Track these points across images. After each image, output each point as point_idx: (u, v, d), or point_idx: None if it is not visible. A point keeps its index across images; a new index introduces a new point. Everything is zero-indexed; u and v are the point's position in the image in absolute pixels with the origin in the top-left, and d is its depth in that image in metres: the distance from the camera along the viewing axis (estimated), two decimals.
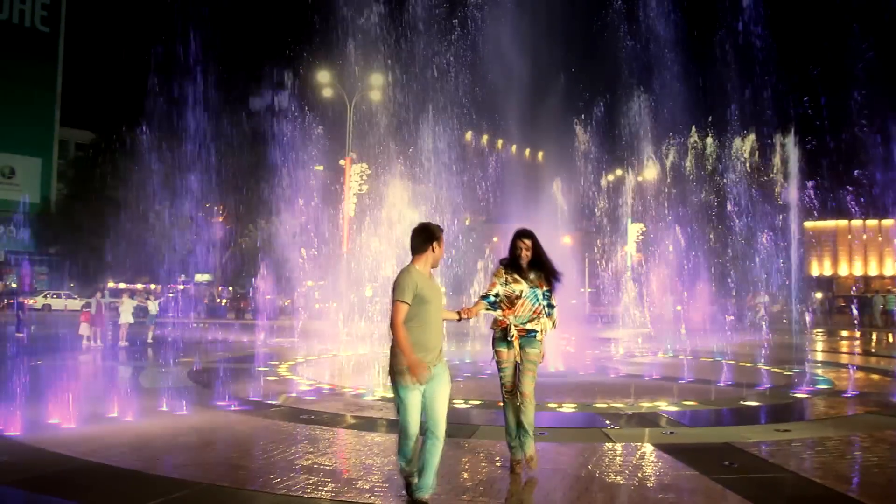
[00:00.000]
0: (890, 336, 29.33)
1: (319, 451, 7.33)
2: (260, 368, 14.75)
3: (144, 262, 43.28)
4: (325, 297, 32.44)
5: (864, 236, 65.23)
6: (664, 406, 10.23)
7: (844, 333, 29.83)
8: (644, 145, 31.74)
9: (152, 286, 51.33)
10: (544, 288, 6.30)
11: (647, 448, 7.48)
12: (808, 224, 54.68)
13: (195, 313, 41.65)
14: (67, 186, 60.91)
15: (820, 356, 19.17)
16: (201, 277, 56.37)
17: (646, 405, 10.28)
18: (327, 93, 33.01)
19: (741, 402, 10.66)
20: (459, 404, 10.08)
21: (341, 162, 34.76)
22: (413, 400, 5.07)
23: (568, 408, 10.10)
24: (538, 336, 6.23)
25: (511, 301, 6.22)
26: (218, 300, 52.02)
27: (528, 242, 6.29)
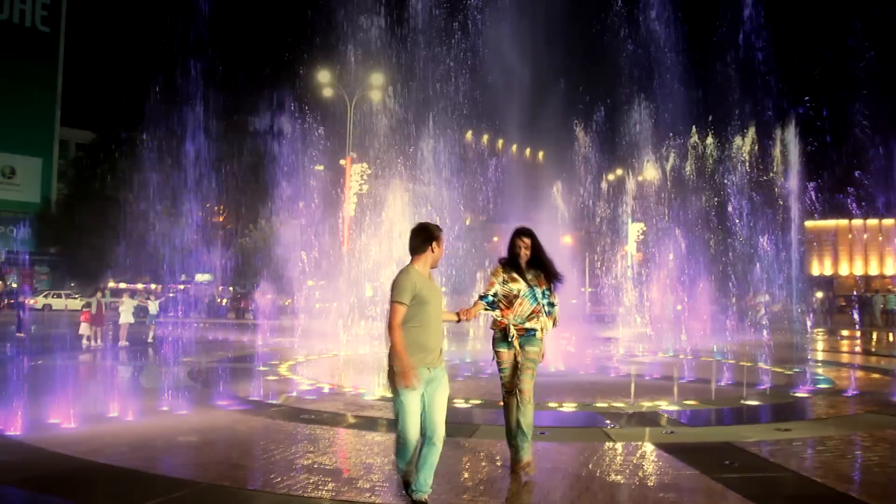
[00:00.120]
0: (890, 335, 29.33)
1: (320, 450, 7.33)
2: (260, 368, 14.75)
3: (145, 262, 43.29)
4: (326, 297, 32.44)
5: (865, 236, 65.19)
6: (664, 405, 10.23)
7: (845, 333, 29.83)
8: (644, 146, 31.76)
9: (153, 286, 51.33)
10: (543, 287, 6.22)
11: (648, 447, 7.48)
12: (809, 223, 54.65)
13: (195, 313, 41.64)
14: (68, 186, 60.93)
15: (820, 356, 19.19)
16: (202, 277, 56.36)
17: (646, 404, 10.28)
18: (328, 93, 33.01)
19: (741, 402, 10.65)
20: (460, 404, 10.08)
21: (342, 162, 34.78)
22: (412, 403, 4.99)
23: (568, 407, 10.10)
24: (538, 334, 6.16)
25: (510, 300, 6.15)
26: (218, 300, 52.00)
27: (527, 241, 6.23)
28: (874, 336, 28.62)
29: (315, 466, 6.54)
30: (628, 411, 9.80)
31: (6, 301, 43.15)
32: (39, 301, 46.38)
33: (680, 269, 27.50)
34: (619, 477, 6.28)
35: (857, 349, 22.19)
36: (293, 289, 32.01)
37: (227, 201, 52.57)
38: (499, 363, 6.23)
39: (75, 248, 53.78)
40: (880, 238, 64.84)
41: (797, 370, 14.54)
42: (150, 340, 20.84)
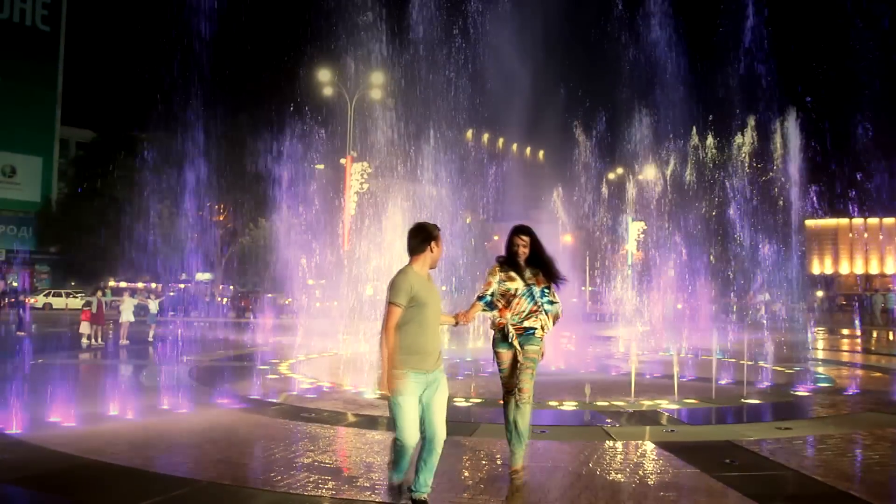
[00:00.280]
0: (890, 334, 29.32)
1: (320, 449, 7.33)
2: (260, 367, 14.76)
3: (145, 261, 43.29)
4: (326, 296, 32.45)
5: (865, 235, 65.19)
6: (665, 404, 10.23)
7: (845, 332, 29.82)
8: (645, 146, 31.77)
9: (153, 285, 51.38)
10: (542, 285, 6.09)
11: (648, 446, 7.48)
12: (809, 222, 54.69)
13: (196, 312, 41.65)
14: (68, 185, 60.92)
15: (820, 354, 19.19)
16: (202, 276, 56.39)
17: (646, 403, 10.28)
18: (328, 92, 33.01)
19: (742, 400, 10.65)
20: (460, 402, 10.08)
21: (342, 161, 34.78)
22: (410, 406, 4.89)
23: (568, 406, 10.09)
24: (537, 333, 6.03)
25: (507, 300, 6.03)
26: (219, 299, 52.00)
27: (526, 239, 6.10)
28: (874, 335, 28.61)
29: (315, 465, 6.54)
30: (629, 410, 9.80)
31: (7, 300, 43.17)
32: (40, 300, 46.39)
33: (680, 268, 27.50)
34: (619, 475, 6.28)
35: (857, 348, 22.18)
36: (293, 288, 32.02)
37: (227, 200, 52.53)
38: (498, 363, 6.12)
39: (76, 248, 53.77)
40: (881, 237, 64.83)
41: (797, 369, 14.54)
42: (150, 339, 20.84)
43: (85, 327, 19.55)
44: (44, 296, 48.08)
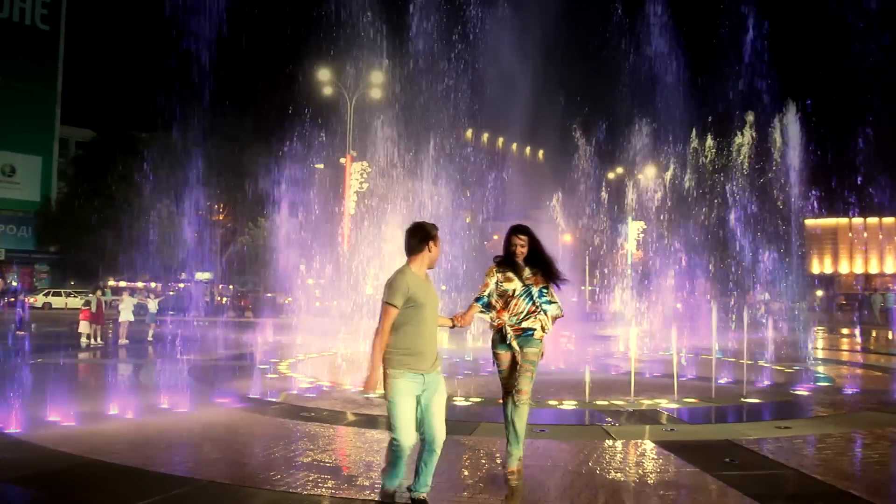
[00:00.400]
0: (889, 334, 29.32)
1: (319, 448, 7.33)
2: (260, 366, 14.75)
3: (145, 261, 43.28)
4: (326, 295, 32.46)
5: (865, 234, 65.24)
6: (664, 403, 10.22)
7: (844, 331, 29.83)
8: (644, 146, 31.77)
9: (153, 284, 51.38)
10: (540, 285, 5.99)
11: (648, 445, 7.48)
12: (809, 221, 54.67)
13: (195, 311, 41.65)
14: (68, 185, 60.89)
15: (820, 354, 19.19)
16: (202, 276, 56.38)
17: (646, 402, 10.28)
18: (328, 91, 32.98)
19: (742, 400, 10.66)
20: (460, 401, 10.08)
21: (342, 160, 34.76)
22: (406, 406, 4.84)
23: (568, 405, 10.09)
24: (536, 334, 5.93)
25: (505, 300, 5.94)
26: (218, 298, 52.00)
27: (524, 238, 6.00)
28: (873, 334, 28.62)
29: (314, 464, 6.54)
30: (628, 409, 9.80)
31: (6, 299, 43.16)
32: (39, 299, 46.36)
33: (680, 267, 27.50)
34: (619, 474, 6.28)
35: (857, 347, 22.18)
36: (293, 287, 32.03)
37: (226, 200, 52.56)
38: (497, 364, 6.05)
39: (75, 247, 53.77)
40: (880, 236, 64.88)
41: (797, 368, 14.55)
42: (149, 338, 20.84)
43: (84, 327, 19.55)
44: (43, 295, 48.05)
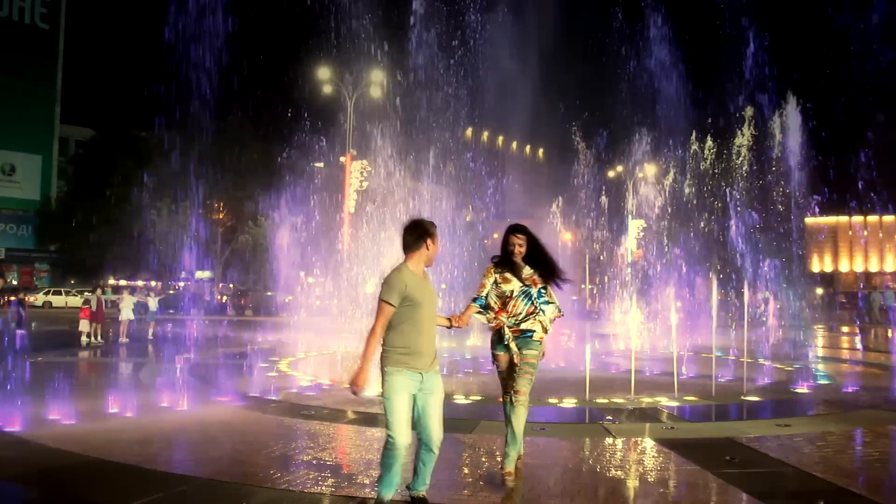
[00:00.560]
0: (889, 332, 29.33)
1: (320, 446, 7.33)
2: (260, 364, 14.77)
3: (145, 259, 43.27)
4: (326, 294, 32.45)
5: (865, 232, 65.24)
6: (665, 401, 10.23)
7: (844, 329, 29.85)
8: (644, 145, 31.78)
9: (153, 283, 51.38)
10: (539, 286, 5.87)
11: (648, 443, 7.48)
12: (809, 220, 54.64)
13: (195, 310, 41.64)
14: (68, 184, 60.91)
15: (820, 352, 19.21)
16: (202, 274, 56.37)
17: (646, 400, 10.28)
18: (328, 90, 32.96)
19: (742, 398, 10.67)
20: (460, 400, 10.08)
21: (342, 159, 34.75)
22: (402, 403, 4.76)
23: (568, 403, 10.09)
24: (535, 336, 5.82)
25: (503, 301, 5.83)
26: (219, 297, 52.01)
27: (522, 238, 5.88)
28: (873, 332, 28.64)
29: (315, 462, 6.54)
30: (629, 407, 9.80)
31: (6, 298, 43.16)
32: (39, 298, 46.35)
33: (680, 266, 27.50)
34: (619, 472, 6.28)
35: (857, 346, 22.19)
36: (293, 285, 32.01)
37: (226, 198, 52.53)
38: (497, 365, 5.97)
39: (75, 246, 53.78)
40: (880, 235, 64.89)
41: (797, 366, 14.55)
42: (149, 337, 20.85)
43: (84, 325, 19.56)
44: (43, 294, 48.06)
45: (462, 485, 5.84)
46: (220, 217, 54.32)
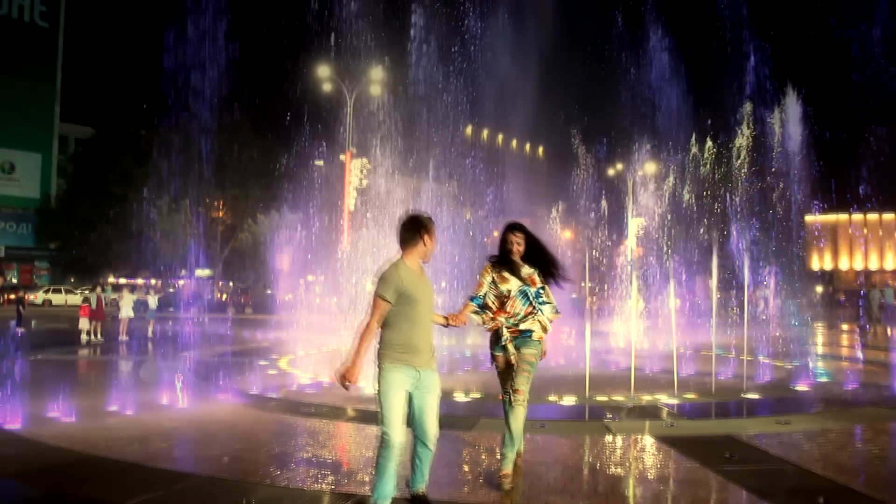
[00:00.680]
0: (888, 330, 29.34)
1: (319, 443, 7.33)
2: (260, 362, 14.79)
3: (145, 258, 43.29)
4: (326, 292, 32.45)
5: (865, 230, 65.24)
6: (665, 399, 10.23)
7: (844, 327, 29.89)
8: (645, 144, 31.78)
9: (153, 281, 51.39)
10: (537, 286, 5.77)
11: (648, 440, 7.48)
12: (809, 218, 54.64)
13: (195, 308, 41.63)
14: (67, 182, 60.93)
15: (820, 349, 19.23)
16: (202, 272, 56.37)
17: (646, 398, 10.28)
18: (328, 88, 32.92)
19: (742, 395, 10.67)
20: (460, 397, 10.08)
21: (342, 157, 34.73)
22: (397, 400, 4.70)
23: (568, 400, 10.09)
24: (534, 335, 5.73)
25: (501, 301, 5.73)
26: (218, 295, 52.05)
27: (520, 236, 5.79)
28: (872, 330, 28.65)
29: (315, 459, 6.54)
30: (628, 404, 9.80)
31: (6, 296, 43.18)
32: (39, 296, 46.36)
33: (680, 264, 27.50)
34: (619, 469, 6.28)
35: (856, 343, 22.20)
36: (293, 283, 32.01)
37: (226, 196, 52.54)
38: (496, 365, 5.90)
39: (75, 244, 53.81)
40: (880, 233, 64.91)
41: (797, 364, 14.55)
42: (149, 335, 20.85)
43: (84, 323, 19.57)
44: (43, 292, 48.07)
45: (462, 482, 5.84)
46: (220, 215, 54.34)
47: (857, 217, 63.97)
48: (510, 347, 5.70)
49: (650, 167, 34.66)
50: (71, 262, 56.62)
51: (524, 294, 5.76)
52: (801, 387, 11.65)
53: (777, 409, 9.63)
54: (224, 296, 51.94)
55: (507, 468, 5.62)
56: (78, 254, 53.91)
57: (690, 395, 10.57)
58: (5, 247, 59.45)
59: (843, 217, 64.31)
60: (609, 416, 8.89)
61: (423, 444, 4.85)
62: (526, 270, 5.81)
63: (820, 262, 65.55)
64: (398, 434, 4.66)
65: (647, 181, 33.71)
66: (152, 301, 22.72)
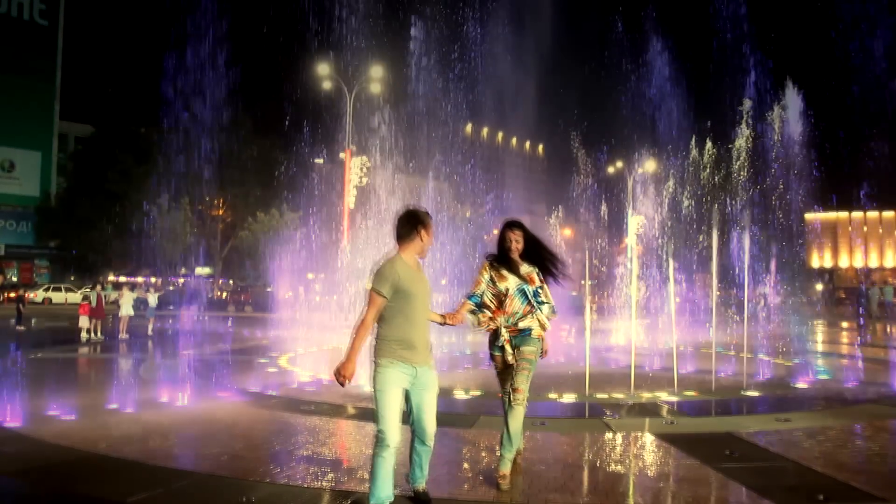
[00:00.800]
0: (888, 327, 29.37)
1: (319, 441, 7.33)
2: (260, 360, 14.79)
3: (145, 256, 43.29)
4: (326, 290, 32.44)
5: (865, 228, 65.27)
6: (665, 396, 10.24)
7: (844, 325, 29.89)
8: (645, 142, 31.78)
9: (153, 279, 51.40)
10: (535, 284, 5.73)
11: (648, 438, 7.48)
12: (809, 215, 54.64)
13: (195, 306, 41.62)
14: (67, 180, 60.93)
15: (819, 347, 19.24)
16: (202, 270, 56.38)
17: (646, 395, 10.28)
18: (327, 85, 32.89)
19: (742, 393, 10.67)
20: (460, 395, 10.07)
21: (341, 155, 34.72)
22: (393, 398, 4.63)
23: (568, 398, 10.09)
24: (534, 333, 5.68)
25: (499, 300, 5.68)
26: (218, 293, 52.06)
27: (519, 233, 5.75)
28: (871, 328, 28.66)
29: (315, 457, 6.54)
30: (629, 402, 9.80)
31: (6, 294, 43.18)
32: (39, 295, 46.36)
33: (680, 262, 27.49)
34: (619, 467, 6.28)
35: (856, 341, 22.21)
36: (293, 282, 32.02)
37: (226, 195, 52.55)
38: (495, 365, 5.86)
39: (75, 242, 53.81)
40: (880, 230, 64.91)
41: (797, 361, 14.56)
42: (149, 333, 20.86)
43: (84, 321, 19.57)
44: (43, 290, 48.08)
45: (462, 480, 5.84)
46: (220, 213, 54.35)
47: (857, 215, 63.96)
48: (507, 348, 5.66)
49: (650, 165, 34.66)
50: (71, 260, 56.64)
51: (522, 292, 5.72)
52: (801, 384, 11.66)
53: (777, 406, 9.63)
54: (224, 294, 51.94)
55: (506, 468, 5.59)
56: (78, 252, 53.94)
57: (690, 393, 10.57)
58: (5, 245, 59.45)
59: (843, 215, 64.33)
60: (609, 413, 8.90)
61: (421, 441, 4.83)
62: (525, 269, 5.78)
63: (820, 259, 65.59)
64: (394, 433, 4.60)
65: (647, 180, 33.72)
66: (152, 299, 22.73)
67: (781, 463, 6.39)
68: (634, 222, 39.92)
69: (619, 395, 10.29)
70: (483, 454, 6.70)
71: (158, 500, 5.26)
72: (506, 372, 5.73)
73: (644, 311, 23.53)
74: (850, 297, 46.55)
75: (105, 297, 21.82)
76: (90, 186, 52.54)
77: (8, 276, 53.32)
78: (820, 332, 25.58)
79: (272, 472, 5.96)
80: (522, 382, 5.58)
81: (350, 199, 30.81)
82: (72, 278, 55.09)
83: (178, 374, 12.08)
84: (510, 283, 5.71)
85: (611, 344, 19.09)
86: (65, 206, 56.01)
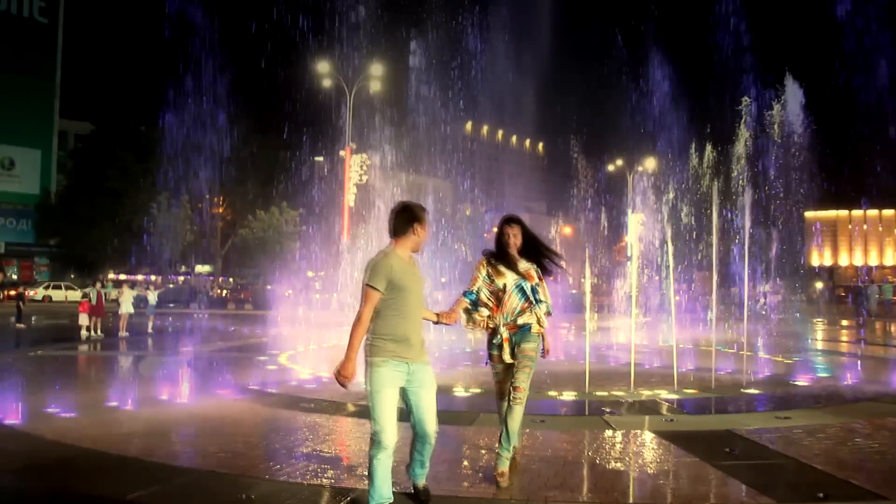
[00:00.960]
0: (888, 325, 29.39)
1: (319, 438, 7.33)
2: (260, 358, 14.79)
3: (145, 254, 43.31)
4: (326, 288, 32.45)
5: (865, 226, 65.25)
6: (664, 394, 10.24)
7: (844, 323, 29.89)
8: (645, 138, 31.79)
9: (153, 277, 51.42)
10: (533, 282, 5.69)
11: (648, 435, 7.48)
12: (809, 214, 54.69)
13: (195, 304, 41.62)
14: (67, 178, 60.92)
15: (819, 345, 19.24)
16: (202, 268, 56.38)
17: (646, 393, 10.28)
18: (328, 83, 32.87)
19: (741, 390, 10.67)
20: (459, 392, 10.06)
21: (342, 153, 34.71)
22: (388, 398, 4.55)
23: (568, 396, 10.10)
24: (533, 329, 5.62)
25: (497, 297, 5.63)
26: (218, 291, 52.06)
27: (517, 229, 5.72)
28: (871, 326, 28.69)
29: (314, 454, 6.54)
30: (628, 399, 9.80)
31: (6, 292, 43.18)
32: (39, 292, 46.38)
33: (680, 260, 27.51)
34: (619, 464, 6.27)
35: (855, 339, 22.23)
36: (293, 279, 32.04)
37: (226, 193, 52.53)
38: (492, 365, 5.77)
39: (75, 240, 53.81)
40: (880, 229, 64.90)
41: (796, 359, 14.57)
42: (149, 331, 20.87)
43: (83, 319, 19.58)
44: (43, 288, 48.09)
45: (462, 477, 5.83)
46: (220, 211, 54.34)
47: (857, 213, 63.97)
48: (505, 348, 5.62)
49: (650, 163, 34.68)
50: (71, 258, 56.63)
51: (520, 289, 5.68)
52: (801, 382, 11.67)
53: (777, 404, 9.63)
54: (224, 292, 51.94)
55: (504, 466, 5.56)
56: (78, 250, 53.92)
57: (690, 391, 10.57)
58: (5, 243, 59.43)
59: (842, 213, 64.32)
60: (609, 411, 8.90)
61: (422, 439, 4.78)
62: (523, 265, 5.74)
63: (820, 258, 65.59)
64: (390, 434, 4.51)
65: (646, 178, 33.75)
66: (152, 297, 22.75)
67: (781, 460, 6.39)
68: (635, 220, 39.92)
69: (618, 393, 10.29)
70: (483, 452, 6.70)
71: (158, 497, 5.25)
72: (504, 373, 5.68)
73: (644, 310, 23.54)
74: (849, 295, 46.58)
75: (105, 294, 21.82)
76: (90, 184, 52.53)
77: (8, 274, 53.30)
78: (819, 329, 25.57)
79: (272, 469, 5.96)
80: (523, 381, 5.52)
81: (350, 196, 30.81)
82: (72, 276, 55.08)
83: (177, 372, 12.09)
84: (508, 279, 5.66)
85: (611, 341, 19.08)
86: (65, 204, 56.00)
